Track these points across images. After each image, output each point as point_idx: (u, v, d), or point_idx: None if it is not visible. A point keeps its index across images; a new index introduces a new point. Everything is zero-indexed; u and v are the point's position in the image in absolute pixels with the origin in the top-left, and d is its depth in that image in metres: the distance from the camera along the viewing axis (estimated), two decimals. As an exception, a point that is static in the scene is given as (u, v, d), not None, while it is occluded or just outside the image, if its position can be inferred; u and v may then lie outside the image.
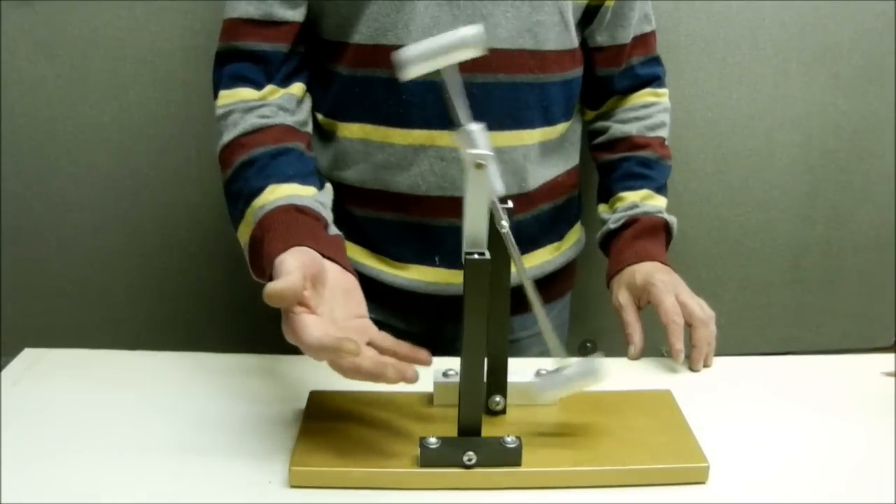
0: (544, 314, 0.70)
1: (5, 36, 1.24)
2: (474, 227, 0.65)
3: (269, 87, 0.93)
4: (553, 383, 0.72)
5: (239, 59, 0.93)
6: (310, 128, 0.98)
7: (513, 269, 0.70)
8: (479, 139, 0.64)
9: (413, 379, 0.66)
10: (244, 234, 0.86)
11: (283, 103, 0.93)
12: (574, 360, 0.72)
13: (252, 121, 0.90)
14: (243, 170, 0.88)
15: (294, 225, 0.80)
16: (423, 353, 0.70)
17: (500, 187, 0.65)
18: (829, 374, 0.90)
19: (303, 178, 0.88)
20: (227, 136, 0.91)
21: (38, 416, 0.77)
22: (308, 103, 0.98)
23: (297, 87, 0.96)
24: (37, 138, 1.30)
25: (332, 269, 0.75)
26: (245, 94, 0.92)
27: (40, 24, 1.24)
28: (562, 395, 0.74)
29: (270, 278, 0.71)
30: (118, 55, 1.26)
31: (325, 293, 0.72)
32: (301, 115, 0.96)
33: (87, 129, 1.30)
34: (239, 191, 0.88)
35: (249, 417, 0.77)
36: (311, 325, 0.65)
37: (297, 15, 0.94)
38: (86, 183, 1.33)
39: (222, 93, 0.93)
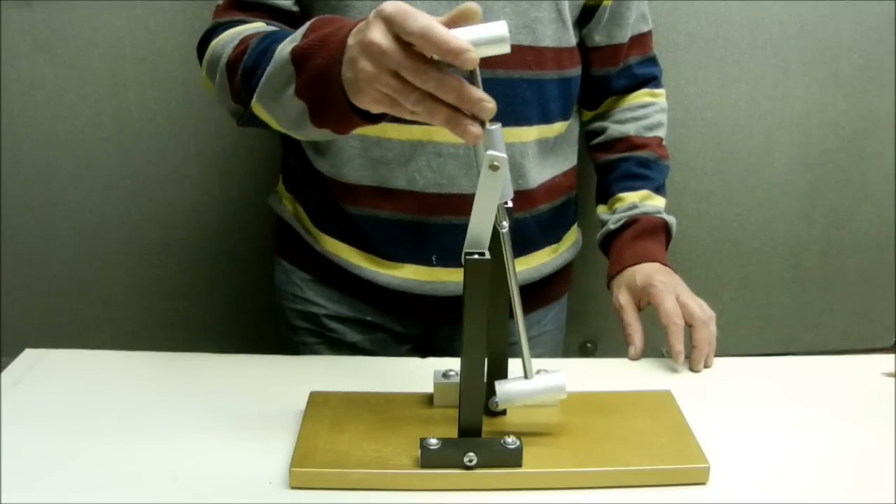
0: (523, 322, 0.70)
1: (5, 36, 1.24)
2: (479, 227, 0.65)
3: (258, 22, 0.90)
4: (516, 392, 0.71)
5: (225, 27, 0.90)
6: None
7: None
8: (497, 140, 0.62)
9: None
10: (278, 71, 0.74)
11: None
12: (540, 373, 0.72)
13: (254, 30, 0.85)
14: (263, 39, 0.80)
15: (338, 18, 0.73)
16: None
17: (509, 192, 0.65)
18: (829, 374, 0.90)
19: None
20: (230, 46, 0.84)
21: (38, 417, 0.77)
22: None
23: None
24: (36, 138, 1.30)
25: None
26: (235, 28, 0.88)
27: (40, 24, 1.24)
28: (519, 404, 0.72)
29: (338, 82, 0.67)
30: (118, 55, 1.26)
31: None
32: None
33: (87, 129, 1.30)
34: (260, 52, 0.78)
35: (249, 417, 0.77)
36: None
37: (287, 2, 0.93)
38: (85, 182, 1.33)
39: (211, 43, 0.89)
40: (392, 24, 0.61)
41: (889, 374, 0.89)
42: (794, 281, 1.47)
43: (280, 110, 0.77)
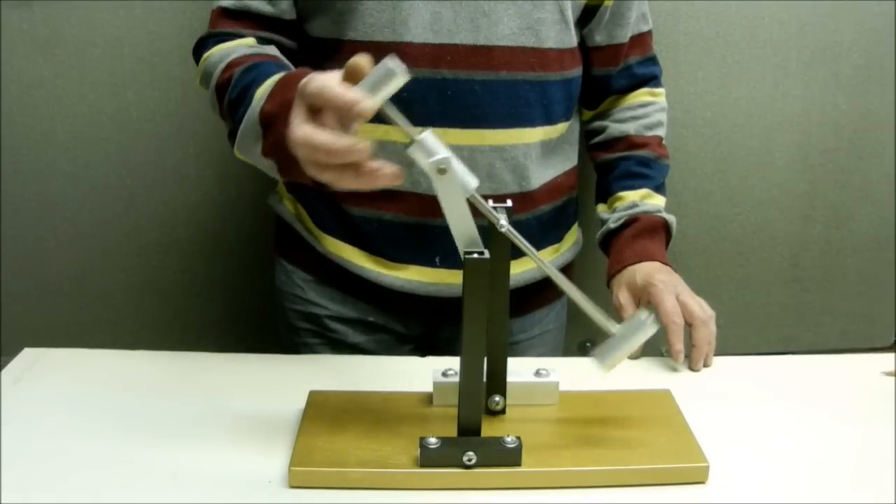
0: (576, 289, 0.68)
1: (4, 36, 1.24)
2: (460, 227, 0.65)
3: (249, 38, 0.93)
4: (608, 348, 0.70)
5: (217, 40, 0.93)
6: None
7: (511, 270, 0.70)
8: (433, 145, 0.63)
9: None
10: (249, 128, 0.80)
11: (263, 45, 0.93)
12: (618, 324, 0.70)
13: (241, 52, 0.89)
14: (246, 72, 0.84)
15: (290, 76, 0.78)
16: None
17: (472, 182, 0.65)
18: (829, 374, 0.90)
19: None
20: (219, 69, 0.88)
21: (38, 416, 0.77)
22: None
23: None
24: (35, 138, 1.30)
25: None
26: (225, 45, 0.92)
27: (39, 24, 1.24)
28: (621, 359, 0.70)
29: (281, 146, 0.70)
30: (116, 55, 1.26)
31: None
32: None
33: (86, 129, 1.30)
34: (242, 90, 0.82)
35: (249, 417, 0.77)
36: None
37: (275, 10, 0.94)
38: (84, 182, 1.33)
39: (203, 56, 0.93)
40: (303, 96, 0.65)
41: (889, 374, 0.89)
42: (794, 281, 1.47)
43: (255, 160, 0.82)
